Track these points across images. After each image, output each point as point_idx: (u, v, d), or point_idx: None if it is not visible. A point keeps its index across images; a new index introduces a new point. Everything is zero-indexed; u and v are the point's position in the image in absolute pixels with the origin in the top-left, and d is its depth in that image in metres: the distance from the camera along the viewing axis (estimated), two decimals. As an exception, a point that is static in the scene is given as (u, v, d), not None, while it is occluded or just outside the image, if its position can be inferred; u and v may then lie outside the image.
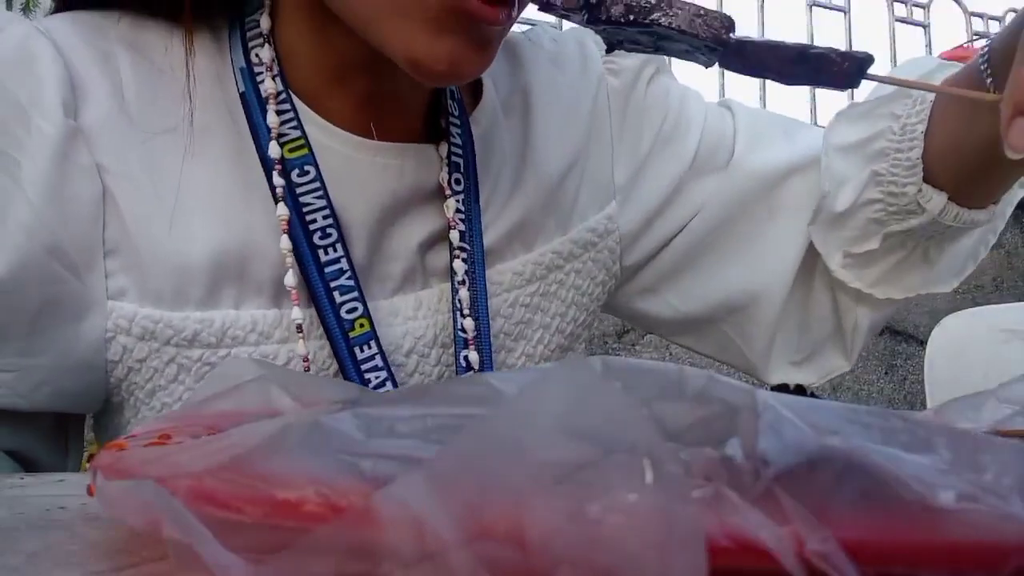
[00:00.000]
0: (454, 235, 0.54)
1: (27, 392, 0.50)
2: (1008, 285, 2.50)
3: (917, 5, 2.72)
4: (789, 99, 2.46)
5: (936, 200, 0.56)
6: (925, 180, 0.56)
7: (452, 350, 0.54)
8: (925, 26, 2.72)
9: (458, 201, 0.54)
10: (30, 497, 0.35)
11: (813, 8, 2.56)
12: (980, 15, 2.86)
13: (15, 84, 0.47)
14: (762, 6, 2.48)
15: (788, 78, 0.44)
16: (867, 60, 0.43)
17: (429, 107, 0.56)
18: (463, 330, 0.53)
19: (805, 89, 2.53)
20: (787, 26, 2.46)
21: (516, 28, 0.54)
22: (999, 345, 1.16)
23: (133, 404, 0.52)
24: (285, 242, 0.49)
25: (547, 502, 0.17)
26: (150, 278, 0.49)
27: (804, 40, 2.53)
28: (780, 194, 0.65)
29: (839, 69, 0.43)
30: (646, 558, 0.16)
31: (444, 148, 0.55)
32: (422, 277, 0.55)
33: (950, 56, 2.78)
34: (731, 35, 0.43)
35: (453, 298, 0.54)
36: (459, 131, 0.56)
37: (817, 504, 0.18)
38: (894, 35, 2.69)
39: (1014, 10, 2.88)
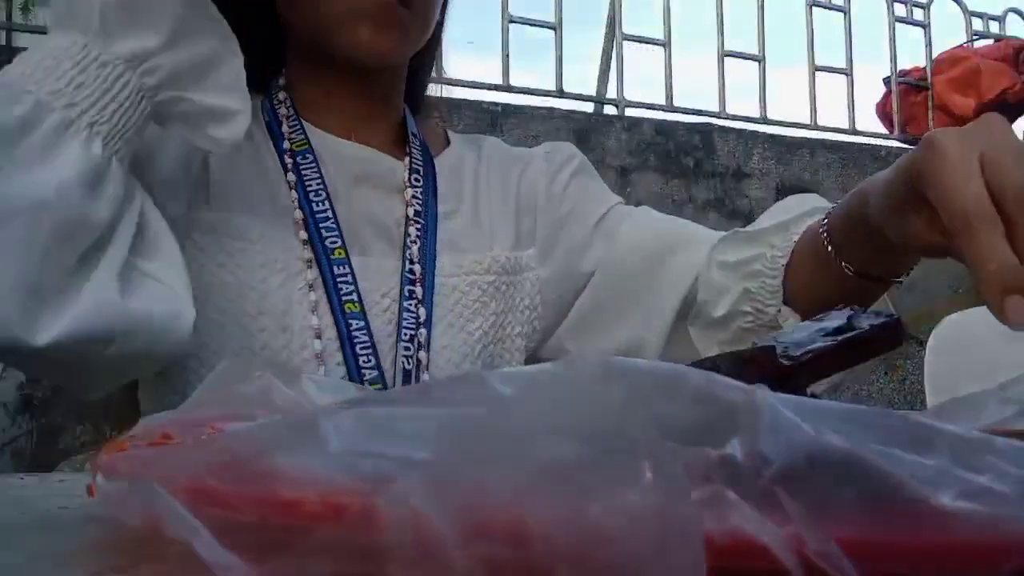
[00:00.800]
0: (410, 211, 0.75)
1: None
2: (1008, 285, 2.50)
3: (917, 5, 2.72)
4: (789, 103, 2.46)
5: (791, 322, 0.66)
6: (787, 303, 0.67)
7: (408, 302, 0.73)
8: (925, 26, 2.72)
9: (415, 191, 0.76)
10: (30, 497, 0.36)
11: (813, 8, 2.57)
12: (980, 15, 2.86)
13: None
14: (762, 6, 2.49)
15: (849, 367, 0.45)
16: (893, 323, 0.43)
17: (397, 136, 0.80)
18: (411, 272, 0.73)
19: (805, 95, 2.53)
20: (787, 26, 2.47)
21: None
22: (999, 345, 1.16)
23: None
24: (293, 195, 0.72)
25: (547, 502, 0.17)
26: (210, 213, 0.70)
27: (804, 41, 2.53)
28: (660, 270, 0.77)
29: (880, 342, 0.43)
30: (645, 558, 0.16)
31: (407, 160, 0.78)
32: (396, 251, 0.75)
33: (950, 55, 2.79)
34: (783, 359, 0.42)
35: (404, 252, 0.74)
36: (419, 152, 0.79)
37: (817, 504, 0.18)
38: (894, 35, 2.69)
39: (1014, 10, 2.88)
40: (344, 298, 0.70)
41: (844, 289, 0.63)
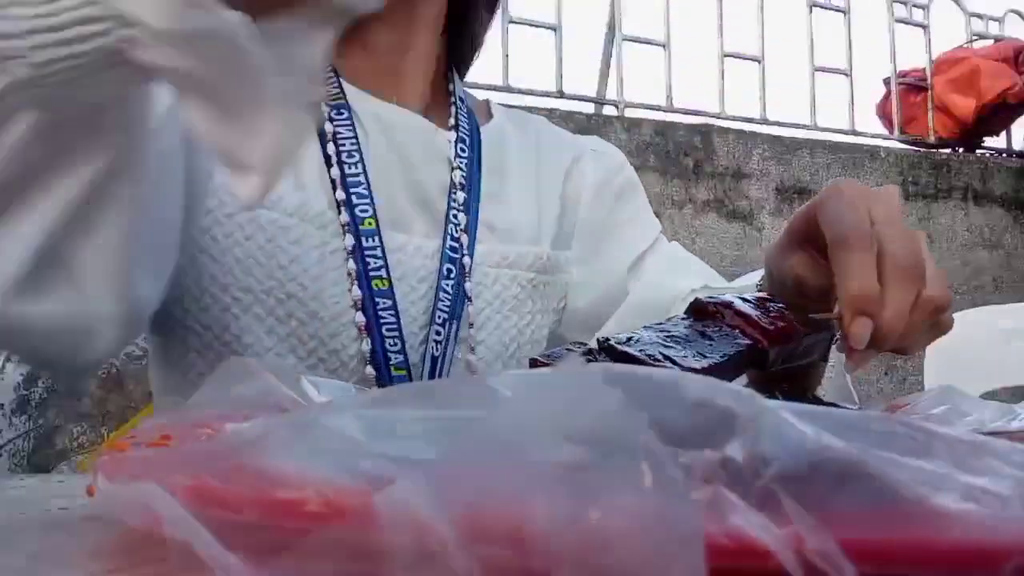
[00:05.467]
0: (456, 175, 0.70)
1: None
2: (1008, 285, 2.50)
3: (917, 6, 2.72)
4: (789, 104, 2.46)
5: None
6: None
7: (447, 282, 0.69)
8: (925, 27, 2.72)
9: (461, 160, 0.71)
10: (30, 498, 0.36)
11: (813, 9, 2.57)
12: (980, 16, 2.86)
13: None
14: (762, 6, 2.48)
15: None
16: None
17: (440, 99, 0.74)
18: (452, 249, 0.69)
19: (805, 94, 2.53)
20: (787, 27, 2.47)
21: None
22: (999, 345, 1.16)
23: (210, 255, 0.63)
24: (331, 148, 0.67)
25: (546, 504, 0.17)
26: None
27: (804, 41, 2.53)
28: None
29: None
30: (645, 559, 0.16)
31: (453, 134, 0.72)
32: (437, 228, 0.70)
33: (950, 56, 2.79)
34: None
35: (447, 223, 0.69)
36: (466, 120, 0.73)
37: (817, 504, 0.18)
38: (894, 36, 2.69)
39: (1014, 10, 2.88)
40: (372, 274, 0.65)
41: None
